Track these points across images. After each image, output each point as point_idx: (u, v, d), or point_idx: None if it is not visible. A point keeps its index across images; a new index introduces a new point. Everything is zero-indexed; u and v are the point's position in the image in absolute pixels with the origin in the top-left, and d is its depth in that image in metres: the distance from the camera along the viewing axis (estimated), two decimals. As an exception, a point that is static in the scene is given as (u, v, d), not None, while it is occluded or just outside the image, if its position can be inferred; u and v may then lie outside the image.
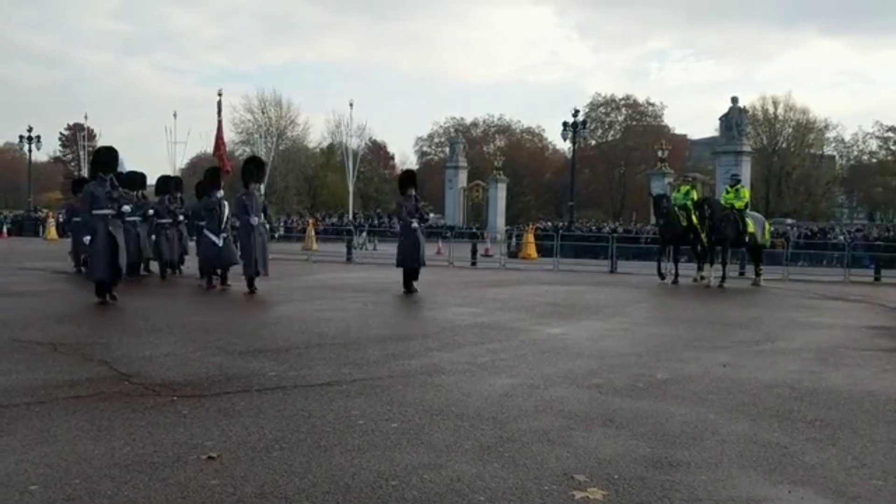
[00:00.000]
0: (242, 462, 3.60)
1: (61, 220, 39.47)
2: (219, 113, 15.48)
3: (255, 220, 11.76)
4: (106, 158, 10.04)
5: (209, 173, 13.94)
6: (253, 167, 12.74)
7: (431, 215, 54.70)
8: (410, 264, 12.32)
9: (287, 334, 7.65)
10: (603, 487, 3.38)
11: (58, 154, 69.38)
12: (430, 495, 3.25)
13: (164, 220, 14.21)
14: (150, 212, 14.34)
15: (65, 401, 4.66)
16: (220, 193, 12.86)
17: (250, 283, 11.74)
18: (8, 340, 6.68)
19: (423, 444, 3.97)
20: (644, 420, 4.59)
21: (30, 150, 46.60)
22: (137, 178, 14.91)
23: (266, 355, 6.35)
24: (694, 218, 15.59)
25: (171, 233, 14.38)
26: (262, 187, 12.08)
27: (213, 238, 12.30)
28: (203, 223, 12.96)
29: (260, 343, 6.99)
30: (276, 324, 8.68)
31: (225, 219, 12.56)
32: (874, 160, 57.32)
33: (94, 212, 9.46)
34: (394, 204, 15.06)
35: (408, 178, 13.11)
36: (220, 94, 15.19)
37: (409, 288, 12.25)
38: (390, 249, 24.85)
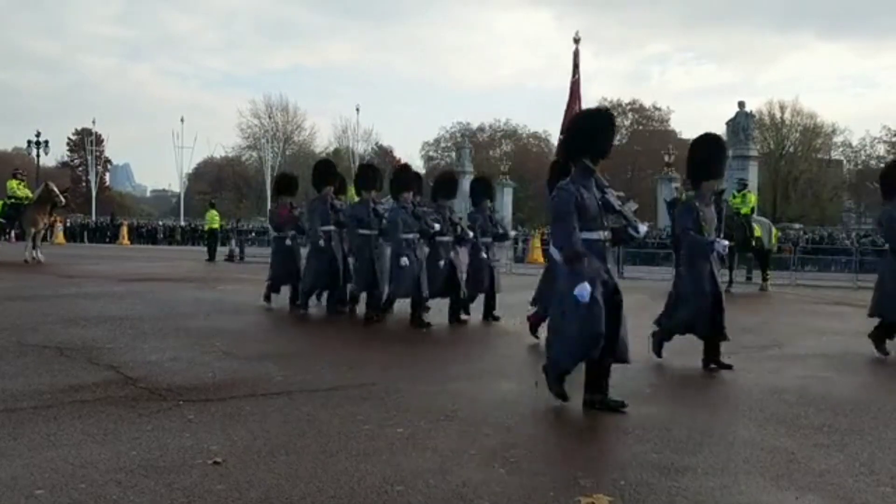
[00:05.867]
0: (248, 467, 3.60)
1: (68, 224, 40.02)
2: (575, 69, 8.31)
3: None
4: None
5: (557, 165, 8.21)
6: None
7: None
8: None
9: (292, 339, 7.65)
10: (609, 493, 3.37)
11: (65, 159, 69.77)
12: (435, 501, 3.25)
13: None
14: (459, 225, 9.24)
15: (71, 405, 4.67)
16: None
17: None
18: (15, 344, 6.69)
19: (429, 450, 3.96)
20: (650, 425, 4.57)
21: (38, 155, 46.82)
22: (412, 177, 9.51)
23: (271, 360, 6.34)
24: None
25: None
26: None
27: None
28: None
29: (265, 348, 6.99)
30: (282, 328, 8.69)
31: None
32: (882, 165, 57.11)
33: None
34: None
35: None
36: (576, 41, 8.26)
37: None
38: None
